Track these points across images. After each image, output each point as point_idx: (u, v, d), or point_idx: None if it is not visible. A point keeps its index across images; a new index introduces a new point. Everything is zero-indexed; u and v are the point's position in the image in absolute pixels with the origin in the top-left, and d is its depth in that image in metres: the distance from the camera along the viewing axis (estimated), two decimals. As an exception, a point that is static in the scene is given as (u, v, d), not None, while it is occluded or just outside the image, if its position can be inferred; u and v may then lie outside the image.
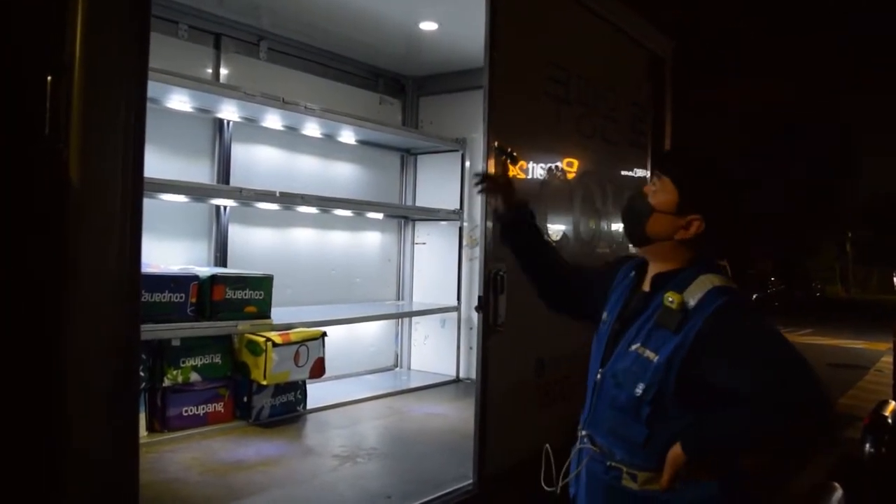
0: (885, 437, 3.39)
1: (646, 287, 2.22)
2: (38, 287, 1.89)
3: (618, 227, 4.89)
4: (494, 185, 2.83)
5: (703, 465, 1.97)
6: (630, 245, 2.70)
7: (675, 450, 1.96)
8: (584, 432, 2.24)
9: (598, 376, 2.20)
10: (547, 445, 2.36)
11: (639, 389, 2.02)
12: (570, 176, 4.46)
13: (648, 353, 2.02)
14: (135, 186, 2.02)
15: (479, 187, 2.87)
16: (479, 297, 3.58)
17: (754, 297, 28.94)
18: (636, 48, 5.21)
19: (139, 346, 2.15)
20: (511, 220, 2.75)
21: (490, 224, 3.53)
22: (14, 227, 1.91)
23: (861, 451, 3.42)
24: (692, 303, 2.00)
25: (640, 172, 5.26)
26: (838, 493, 2.37)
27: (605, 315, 2.28)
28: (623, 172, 5.11)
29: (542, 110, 4.16)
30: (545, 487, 2.31)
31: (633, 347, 2.08)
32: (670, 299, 2.02)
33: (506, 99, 3.68)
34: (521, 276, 2.83)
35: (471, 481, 3.56)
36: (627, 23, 4.98)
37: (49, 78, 1.87)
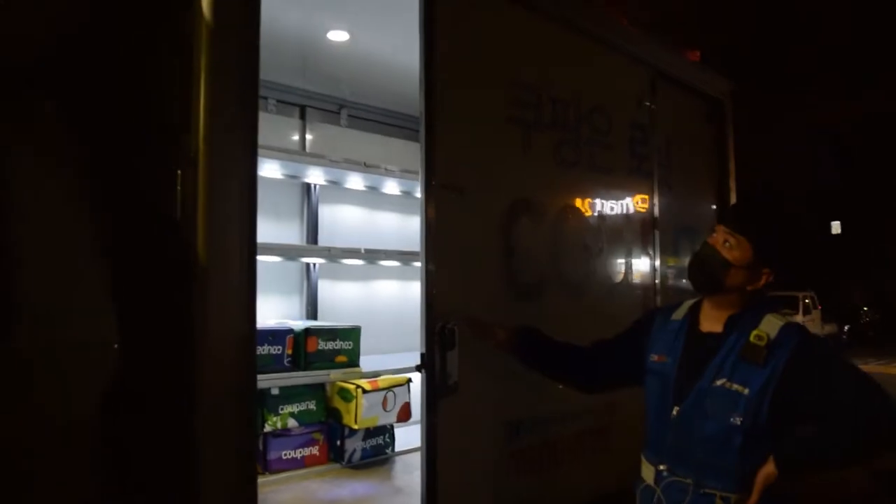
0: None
1: (708, 328, 2.45)
2: (176, 342, 2.26)
3: (614, 263, 4.49)
4: (478, 332, 3.18)
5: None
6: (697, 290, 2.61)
7: (768, 468, 2.21)
8: (662, 466, 2.44)
9: (675, 412, 2.41)
10: (646, 484, 2.51)
11: (735, 419, 2.26)
12: (547, 210, 3.93)
13: (737, 387, 2.28)
14: (249, 254, 2.39)
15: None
16: (422, 355, 3.13)
17: (846, 328, 27.97)
18: (634, 64, 4.75)
19: (255, 392, 2.49)
20: (509, 349, 3.09)
21: (432, 268, 3.15)
22: (154, 295, 2.30)
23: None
24: (773, 337, 2.27)
25: (642, 203, 4.80)
26: None
27: (656, 357, 2.52)
28: (621, 203, 4.64)
29: (503, 137, 3.68)
30: None
31: (719, 382, 2.31)
32: (759, 337, 2.28)
33: (451, 125, 3.27)
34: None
35: None
36: (681, 69, 5.20)
37: (179, 171, 2.26)
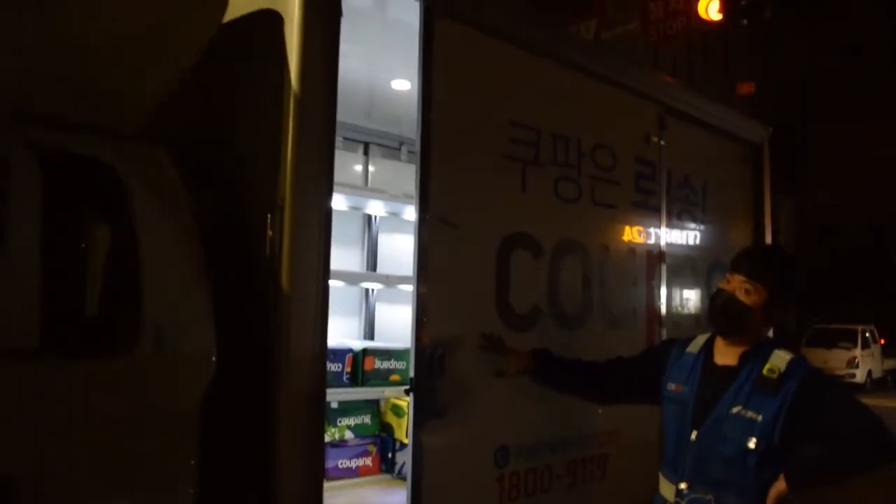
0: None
1: (722, 361, 2.80)
2: (263, 357, 2.72)
3: (616, 295, 4.55)
4: (489, 345, 3.45)
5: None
6: (718, 330, 2.85)
7: (779, 484, 2.55)
8: (682, 485, 2.75)
9: (693, 436, 2.74)
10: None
11: (751, 443, 2.59)
12: (545, 244, 4.02)
13: (751, 414, 2.61)
14: (324, 285, 2.85)
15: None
16: (411, 379, 3.28)
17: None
18: (639, 100, 4.82)
19: (325, 402, 2.93)
20: (524, 370, 3.38)
21: (423, 290, 3.32)
22: (245, 318, 2.77)
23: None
24: (782, 370, 2.62)
25: (648, 236, 4.86)
26: None
27: (674, 386, 2.87)
28: (624, 237, 4.68)
29: (500, 173, 3.81)
30: None
31: (735, 410, 2.64)
32: (771, 370, 2.62)
33: (446, 162, 3.44)
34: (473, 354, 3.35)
35: None
36: (719, 118, 5.55)
37: (269, 215, 2.73)
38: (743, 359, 2.73)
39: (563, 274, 4.13)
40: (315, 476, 2.87)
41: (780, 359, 2.65)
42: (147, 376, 2.53)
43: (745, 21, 11.45)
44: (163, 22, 2.64)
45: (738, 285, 2.73)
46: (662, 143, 4.95)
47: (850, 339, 24.27)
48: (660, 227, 4.94)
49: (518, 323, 3.83)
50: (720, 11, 11.11)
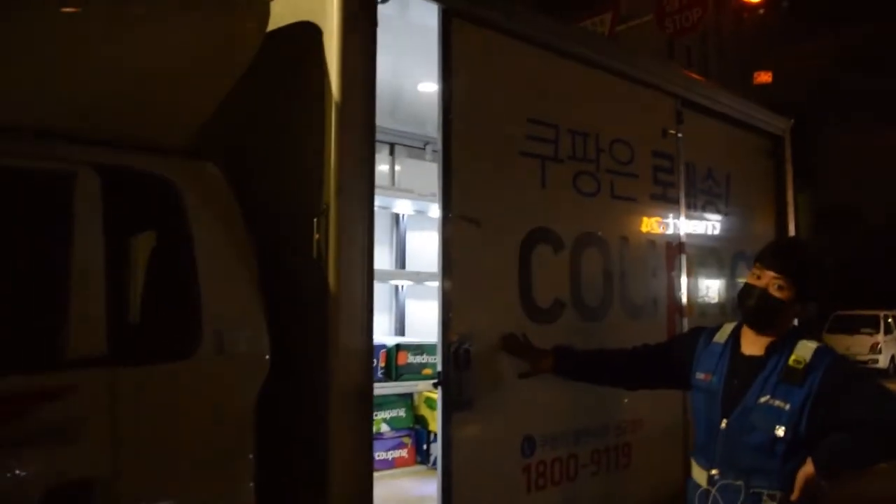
0: None
1: (749, 351, 2.89)
2: (314, 352, 2.86)
3: (636, 286, 4.61)
4: (511, 348, 3.56)
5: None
6: (746, 323, 2.93)
7: (807, 468, 2.63)
8: (714, 471, 2.84)
9: (723, 425, 2.83)
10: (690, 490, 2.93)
11: (779, 431, 2.67)
12: (566, 238, 4.10)
13: (779, 403, 2.70)
14: (369, 284, 2.99)
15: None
16: (438, 373, 3.41)
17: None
18: (656, 94, 4.92)
19: (372, 394, 3.07)
20: (549, 370, 3.46)
21: (448, 286, 3.44)
22: (298, 317, 2.92)
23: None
24: (808, 361, 2.71)
25: (667, 228, 4.93)
26: None
27: (702, 375, 2.96)
28: (643, 229, 4.76)
29: (519, 171, 3.91)
30: None
31: (763, 399, 2.73)
32: (797, 361, 2.71)
33: (468, 161, 3.56)
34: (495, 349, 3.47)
35: None
36: (739, 110, 5.64)
37: (315, 219, 2.87)
38: (770, 349, 2.82)
39: (583, 267, 4.22)
40: (366, 466, 3.01)
41: (805, 349, 2.73)
42: (207, 378, 2.68)
43: (786, 2, 11.44)
44: (208, 42, 2.78)
45: (770, 281, 2.80)
46: (680, 135, 5.03)
47: (872, 325, 24.21)
48: (679, 219, 5.03)
49: (541, 316, 3.93)
50: None
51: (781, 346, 2.79)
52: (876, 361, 23.23)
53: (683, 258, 5.03)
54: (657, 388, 3.47)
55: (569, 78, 4.27)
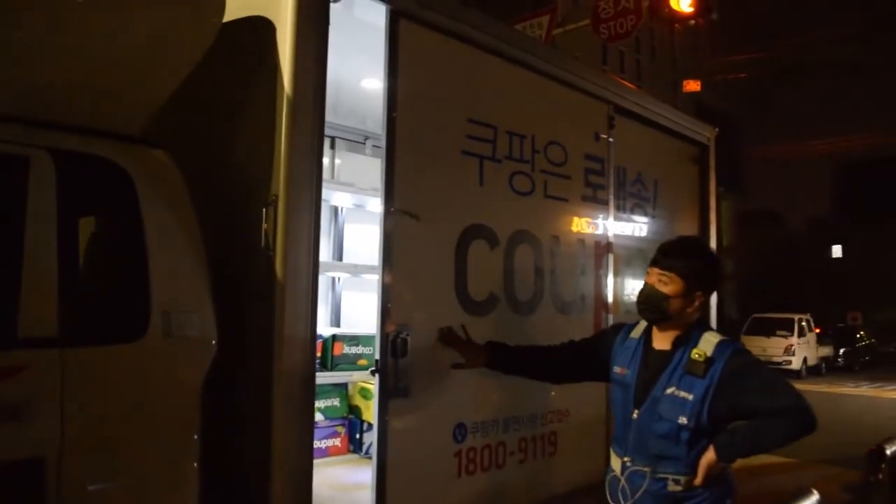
0: (881, 466, 4.15)
1: (659, 346, 3.09)
2: (259, 337, 2.96)
3: (566, 283, 4.80)
4: (449, 341, 3.71)
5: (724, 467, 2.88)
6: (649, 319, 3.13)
7: (709, 455, 2.85)
8: (626, 458, 3.05)
9: (635, 415, 3.04)
10: (614, 473, 3.11)
11: (683, 420, 2.88)
12: (501, 234, 4.27)
13: (683, 394, 2.90)
14: (314, 270, 3.10)
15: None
16: (376, 361, 3.54)
17: (841, 351, 28.44)
18: (590, 100, 5.11)
19: (314, 381, 3.18)
20: (483, 364, 3.64)
21: (388, 280, 3.54)
22: (244, 304, 3.00)
23: (865, 477, 4.17)
24: (710, 353, 2.91)
25: (597, 228, 5.13)
26: (814, 497, 3.10)
27: (618, 369, 3.16)
28: (574, 229, 4.94)
29: (459, 169, 4.04)
30: None
31: (669, 391, 2.94)
32: (698, 354, 2.91)
33: (409, 158, 3.67)
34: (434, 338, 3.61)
35: None
36: (669, 118, 5.92)
37: (264, 209, 2.96)
38: (676, 343, 3.03)
39: (517, 263, 4.39)
40: (307, 448, 3.12)
41: (708, 342, 2.94)
42: (155, 360, 2.74)
43: (693, 22, 11.86)
44: (163, 32, 2.84)
45: (656, 277, 3.04)
46: (611, 140, 5.24)
47: (787, 328, 25.12)
48: (608, 220, 5.24)
49: (476, 309, 4.08)
50: (692, 5, 11.47)
51: (686, 339, 3.00)
52: (789, 363, 24.22)
53: (611, 257, 5.25)
54: (582, 381, 3.66)
55: (508, 81, 4.44)
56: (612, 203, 5.25)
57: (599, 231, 5.18)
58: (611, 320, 5.07)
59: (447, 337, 3.72)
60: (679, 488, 2.91)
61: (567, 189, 4.84)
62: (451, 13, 3.96)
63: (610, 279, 5.23)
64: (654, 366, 3.05)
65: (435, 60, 3.93)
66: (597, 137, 5.15)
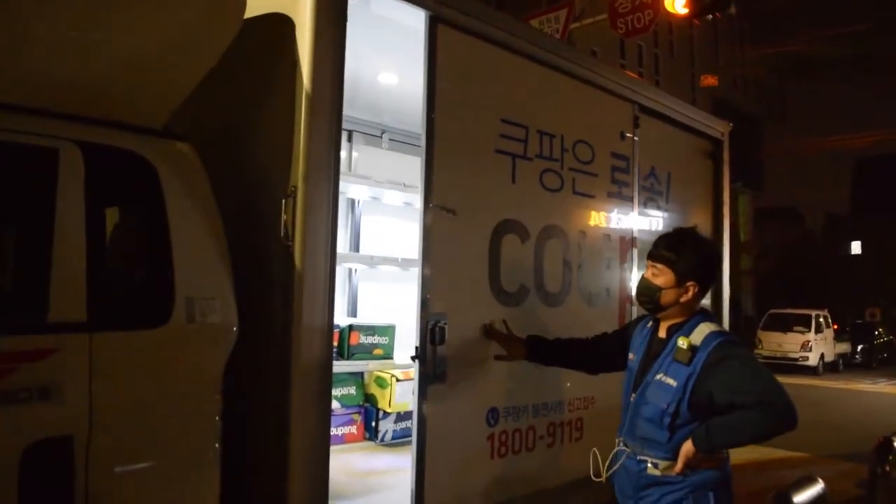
0: (888, 458, 4.20)
1: (661, 334, 3.19)
2: (278, 325, 3.05)
3: (592, 276, 4.98)
4: (492, 335, 3.90)
5: (707, 457, 2.92)
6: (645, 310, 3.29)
7: (687, 445, 2.92)
8: (620, 439, 3.19)
9: (632, 398, 3.15)
10: (594, 449, 3.25)
11: (663, 404, 2.98)
12: (531, 229, 4.45)
13: (668, 380, 3.00)
14: (331, 261, 3.19)
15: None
16: (416, 348, 3.70)
17: (859, 348, 28.30)
18: (616, 100, 5.29)
19: (331, 368, 3.27)
20: (523, 357, 3.81)
21: (427, 271, 3.73)
22: (264, 293, 3.10)
23: (872, 469, 4.22)
24: (697, 343, 2.98)
25: (622, 223, 5.31)
26: (819, 486, 3.14)
27: (632, 356, 3.28)
28: (600, 224, 5.12)
29: (492, 167, 4.23)
30: (593, 478, 3.25)
31: (658, 377, 3.04)
32: (682, 343, 3.00)
33: (447, 156, 3.86)
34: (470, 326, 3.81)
35: None
36: (685, 114, 5.97)
37: (283, 200, 3.06)
38: (671, 331, 3.12)
39: (546, 256, 4.56)
40: (324, 434, 3.22)
41: (699, 332, 3.01)
42: (178, 345, 2.85)
43: (711, 17, 11.83)
44: (186, 27, 2.94)
45: (650, 270, 3.16)
46: (636, 138, 5.41)
47: (804, 324, 25.00)
48: (632, 215, 5.42)
49: (508, 300, 4.26)
50: (686, 6, 11.47)
51: (680, 328, 3.09)
52: (806, 359, 24.10)
53: (635, 252, 5.40)
54: (615, 371, 3.75)
55: (539, 82, 4.61)
56: (636, 199, 5.44)
57: (624, 226, 5.36)
58: (634, 312, 5.17)
59: (490, 331, 3.94)
60: (657, 472, 3.00)
61: (594, 186, 5.03)
62: (485, 18, 4.15)
63: (634, 273, 5.39)
64: (653, 353, 3.16)
65: (470, 63, 4.10)
66: (622, 136, 5.33)
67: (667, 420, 2.96)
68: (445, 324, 3.75)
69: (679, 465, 2.93)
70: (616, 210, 5.26)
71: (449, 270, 3.89)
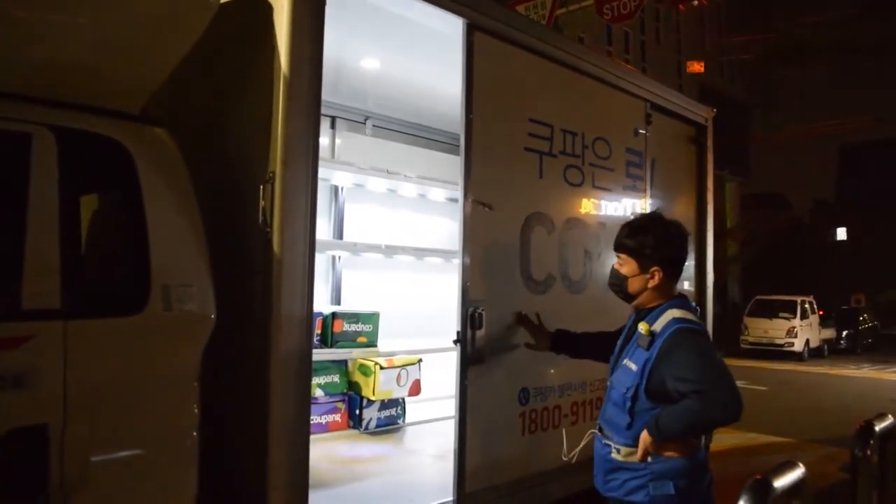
0: (870, 442, 4.20)
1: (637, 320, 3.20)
2: (257, 312, 3.02)
3: (610, 264, 5.28)
4: (523, 323, 4.09)
5: (667, 445, 2.92)
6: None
7: (644, 432, 2.93)
8: (598, 423, 3.23)
9: (608, 384, 3.21)
10: (563, 429, 3.28)
11: (624, 389, 3.02)
12: (556, 221, 4.77)
13: (631, 365, 3.03)
14: (310, 248, 3.16)
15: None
16: (457, 332, 4.01)
17: (844, 334, 28.49)
18: (630, 99, 5.64)
19: (311, 355, 3.25)
20: (549, 348, 3.96)
21: (466, 261, 4.04)
22: (242, 280, 3.07)
23: (852, 453, 4.23)
24: (657, 329, 2.99)
25: (635, 213, 5.48)
26: (800, 470, 3.11)
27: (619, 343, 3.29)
28: (617, 215, 5.35)
29: (522, 164, 4.55)
30: (563, 458, 3.28)
31: (624, 362, 3.09)
32: (642, 328, 3.02)
33: (483, 155, 4.17)
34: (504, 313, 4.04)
35: (450, 499, 4.02)
36: (669, 100, 5.98)
37: (262, 186, 3.02)
38: (639, 317, 3.14)
39: (569, 247, 4.91)
40: (303, 422, 3.19)
41: (663, 319, 3.01)
42: (155, 332, 2.81)
43: (696, 2, 11.83)
44: (162, 10, 2.88)
45: (617, 260, 3.20)
46: (648, 134, 5.75)
47: (790, 310, 25.10)
48: (645, 207, 5.71)
49: (537, 288, 4.60)
50: None
51: (647, 315, 3.10)
52: (792, 345, 24.25)
53: None
54: None
55: (563, 83, 4.96)
56: (648, 192, 5.79)
57: (638, 217, 5.52)
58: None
59: (523, 319, 4.14)
60: (619, 457, 3.03)
61: (611, 180, 5.37)
62: (516, 25, 4.53)
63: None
64: (628, 338, 3.20)
65: (503, 67, 4.40)
66: (636, 132, 5.67)
67: (628, 404, 2.99)
68: (483, 310, 4.04)
69: (639, 453, 2.95)
70: (631, 202, 5.57)
71: (485, 261, 4.20)
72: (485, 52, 4.15)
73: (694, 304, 6.09)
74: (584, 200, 5.08)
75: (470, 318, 4.00)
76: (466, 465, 3.99)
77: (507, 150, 4.43)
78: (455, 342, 4.00)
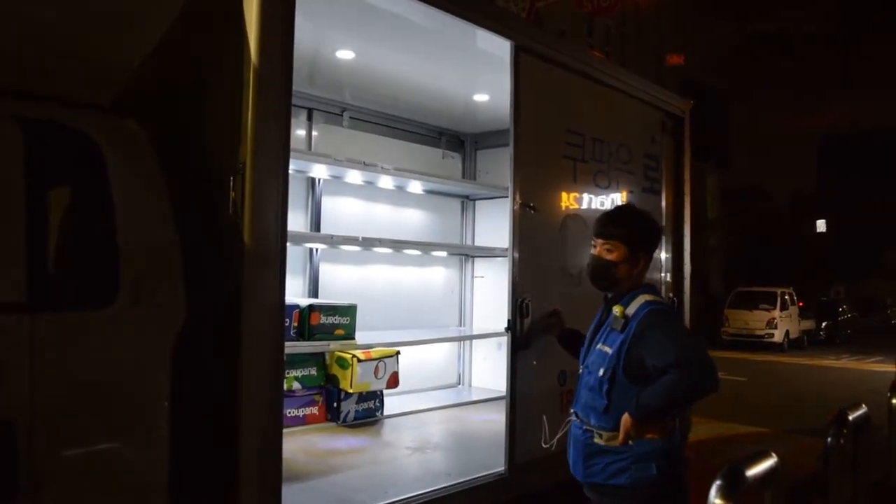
0: (843, 431, 4.25)
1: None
2: (229, 304, 2.99)
3: None
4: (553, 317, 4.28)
5: (648, 427, 2.95)
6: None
7: (626, 415, 2.96)
8: (572, 409, 3.28)
9: (581, 369, 3.26)
10: (544, 416, 3.31)
11: (601, 372, 3.06)
12: (588, 221, 5.00)
13: (605, 348, 3.09)
14: (282, 240, 3.12)
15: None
16: (508, 321, 4.49)
17: (823, 325, 28.74)
18: (648, 108, 6.15)
19: (283, 346, 3.23)
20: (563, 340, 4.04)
21: (515, 255, 4.54)
22: (214, 272, 3.04)
23: (826, 442, 4.27)
24: (631, 312, 3.05)
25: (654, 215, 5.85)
26: (772, 460, 3.13)
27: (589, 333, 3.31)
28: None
29: (561, 169, 5.08)
30: (542, 445, 3.31)
31: (598, 346, 3.14)
32: (616, 311, 3.09)
33: (528, 162, 4.67)
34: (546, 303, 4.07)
35: (503, 468, 4.43)
36: (646, 92, 6.00)
37: (231, 178, 2.99)
38: (612, 302, 3.19)
39: None
40: (276, 414, 3.17)
41: (635, 302, 3.10)
42: (124, 326, 2.79)
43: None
44: (128, 2, 2.86)
45: (601, 247, 3.23)
46: (662, 140, 6.30)
47: (770, 301, 25.30)
48: (661, 206, 6.25)
49: (570, 281, 5.03)
50: None
51: (623, 299, 3.15)
52: (772, 336, 24.43)
53: (663, 239, 6.10)
54: None
55: (593, 96, 5.49)
56: (663, 192, 6.33)
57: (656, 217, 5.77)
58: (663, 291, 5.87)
59: (554, 314, 4.39)
60: (602, 442, 3.06)
61: (633, 182, 5.91)
62: (555, 46, 5.12)
63: (663, 258, 6.30)
64: (600, 324, 3.26)
65: (545, 83, 4.93)
66: (653, 140, 6.22)
67: (605, 387, 3.04)
68: (530, 301, 4.55)
69: (621, 436, 2.98)
70: (650, 202, 6.01)
71: (531, 257, 4.70)
72: (528, 70, 4.67)
73: (671, 295, 6.18)
74: (611, 203, 5.53)
75: (519, 307, 4.51)
76: (517, 438, 4.46)
77: (548, 157, 4.97)
78: (506, 329, 4.50)
